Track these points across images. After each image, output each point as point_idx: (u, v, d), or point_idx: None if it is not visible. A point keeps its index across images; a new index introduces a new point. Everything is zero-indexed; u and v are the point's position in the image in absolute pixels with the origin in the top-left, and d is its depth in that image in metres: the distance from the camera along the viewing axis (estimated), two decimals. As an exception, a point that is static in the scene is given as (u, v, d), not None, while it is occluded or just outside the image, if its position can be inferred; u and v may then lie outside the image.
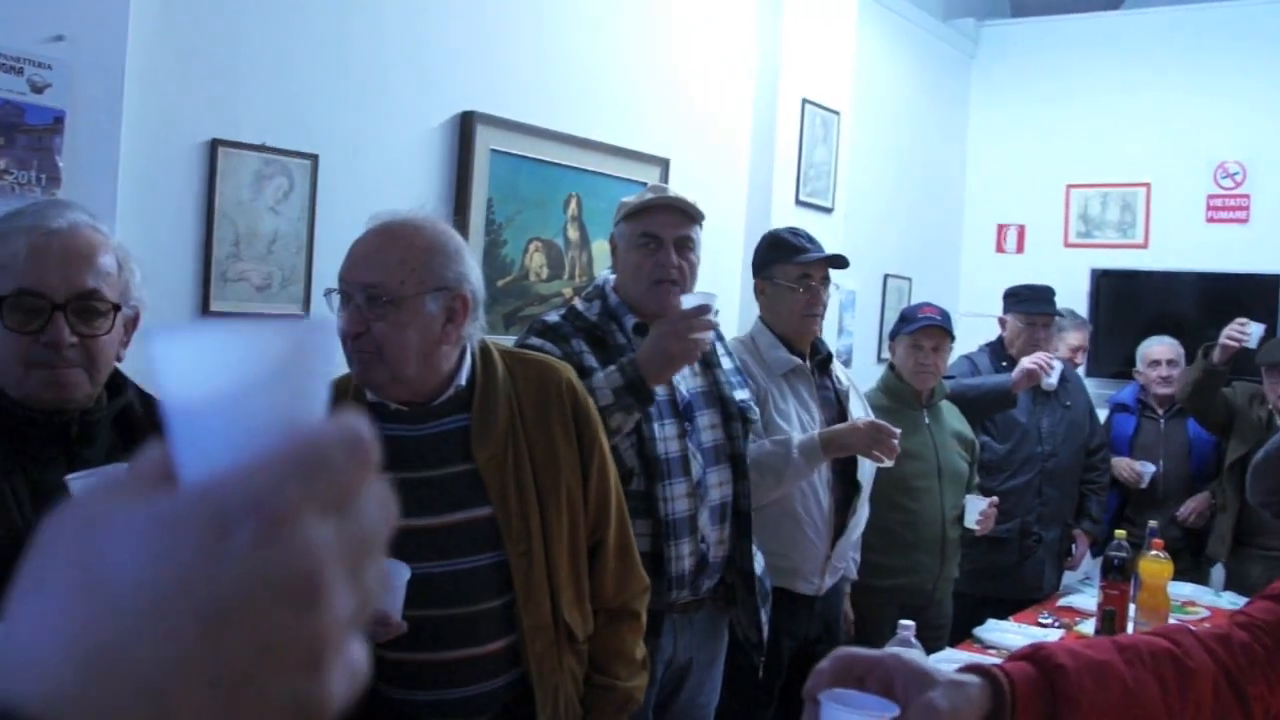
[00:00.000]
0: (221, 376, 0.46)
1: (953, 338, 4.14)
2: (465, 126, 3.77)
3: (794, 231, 3.60)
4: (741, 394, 2.99)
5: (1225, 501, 4.93)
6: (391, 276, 2.05)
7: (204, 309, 3.11)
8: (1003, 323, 4.81)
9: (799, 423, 3.41)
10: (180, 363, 0.47)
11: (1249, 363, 4.92)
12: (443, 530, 2.12)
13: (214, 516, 0.43)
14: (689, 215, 2.86)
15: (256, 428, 0.46)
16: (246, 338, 0.47)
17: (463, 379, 2.17)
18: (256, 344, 0.47)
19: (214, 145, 3.11)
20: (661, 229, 2.82)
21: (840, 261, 3.53)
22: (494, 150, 3.84)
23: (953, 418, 4.23)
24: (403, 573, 1.95)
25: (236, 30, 3.19)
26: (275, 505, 0.44)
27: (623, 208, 2.90)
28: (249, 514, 0.43)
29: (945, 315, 4.12)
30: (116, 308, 1.74)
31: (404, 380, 2.10)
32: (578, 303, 2.89)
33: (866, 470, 3.56)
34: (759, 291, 3.60)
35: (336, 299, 2.13)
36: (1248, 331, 4.60)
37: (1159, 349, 5.37)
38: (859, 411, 3.65)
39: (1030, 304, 4.72)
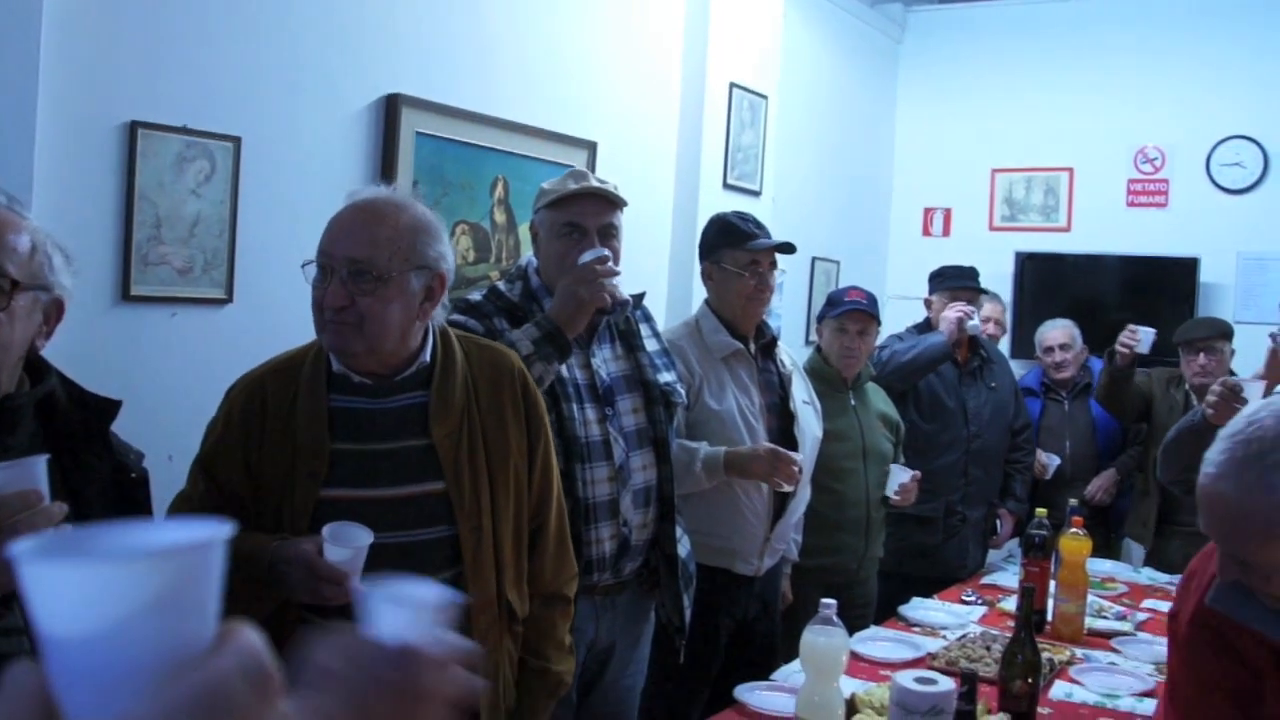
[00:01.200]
0: (101, 605, 0.44)
1: (879, 322, 4.19)
2: (390, 109, 3.75)
3: (742, 217, 3.62)
4: (666, 377, 3.00)
5: (1148, 487, 5.04)
6: (380, 253, 2.11)
7: (124, 294, 3.08)
8: (928, 303, 4.87)
9: (736, 406, 3.44)
10: (54, 591, 0.44)
11: (1166, 346, 5.03)
12: (396, 502, 2.17)
13: None
14: (611, 202, 2.87)
15: (144, 656, 0.44)
16: (126, 564, 0.44)
17: (426, 356, 2.23)
18: (136, 572, 0.44)
19: (133, 127, 3.07)
20: (584, 218, 2.82)
21: (788, 248, 3.56)
22: (419, 133, 3.82)
23: (878, 399, 4.29)
24: (365, 537, 1.99)
25: (157, 10, 3.14)
26: None
27: (543, 195, 2.89)
28: None
29: (871, 299, 4.17)
30: (15, 284, 1.69)
31: (379, 354, 2.16)
32: (500, 284, 2.90)
33: (807, 453, 3.59)
34: (706, 276, 3.63)
35: (313, 271, 2.18)
36: (1138, 338, 4.75)
37: (1053, 334, 5.47)
38: (802, 395, 3.69)
39: (954, 280, 4.79)
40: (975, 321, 4.58)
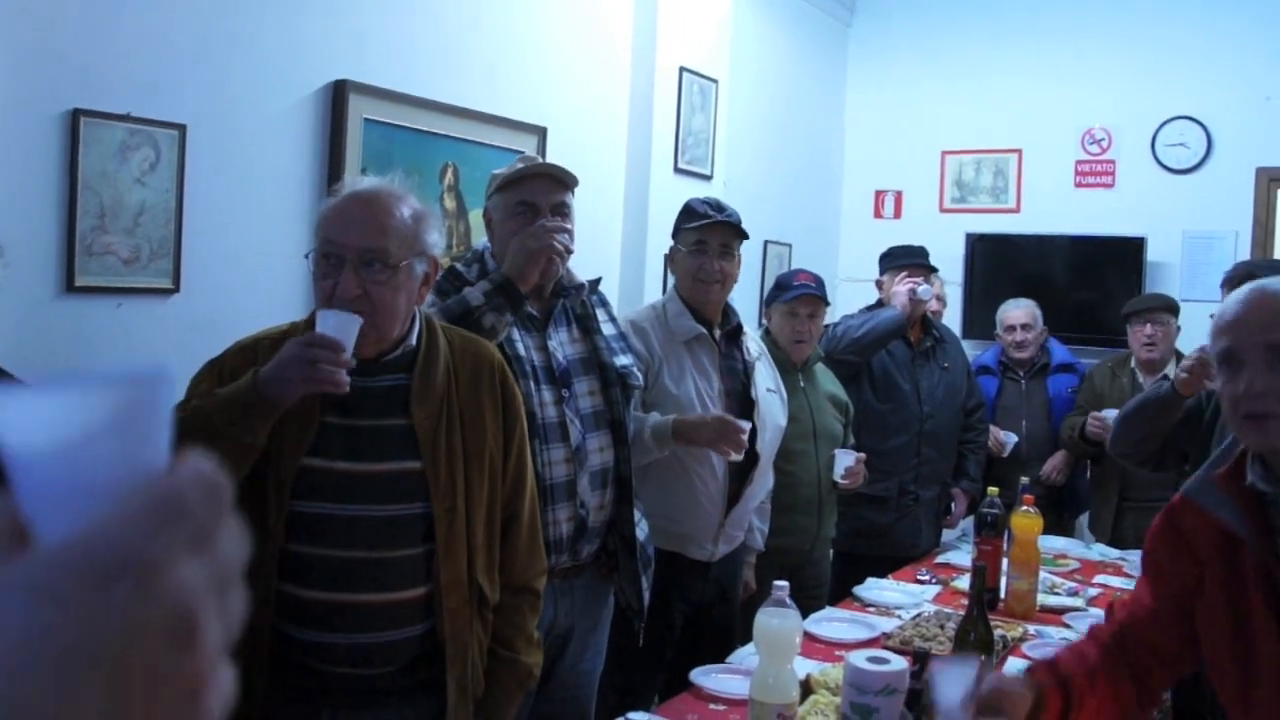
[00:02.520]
0: (60, 428, 0.47)
1: (828, 304, 4.20)
2: (337, 95, 3.72)
3: (705, 200, 3.64)
4: (623, 360, 3.01)
5: (1103, 479, 5.13)
6: (390, 242, 2.17)
7: (69, 284, 3.04)
8: (879, 284, 4.89)
9: (695, 390, 3.44)
10: (16, 415, 0.48)
11: (1114, 324, 5.09)
12: (373, 477, 2.21)
13: (92, 572, 0.45)
14: (562, 182, 2.89)
15: (104, 476, 0.48)
16: (82, 391, 0.48)
17: (413, 340, 2.29)
18: (92, 397, 0.48)
19: (75, 115, 3.03)
20: (536, 196, 2.85)
21: (735, 228, 3.56)
22: (367, 119, 3.80)
23: (827, 381, 4.30)
24: (355, 322, 2.08)
25: (98, -4, 3.10)
26: (148, 554, 0.46)
27: (495, 180, 2.91)
28: (125, 566, 0.46)
29: (820, 282, 4.18)
30: None
31: (385, 340, 2.23)
32: (458, 265, 2.92)
33: (767, 442, 3.60)
34: (669, 259, 3.66)
35: (314, 260, 2.22)
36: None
37: (1014, 314, 5.52)
38: (766, 382, 3.69)
39: (904, 258, 4.82)
40: (925, 288, 4.60)
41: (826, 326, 4.55)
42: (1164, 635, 2.13)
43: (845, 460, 4.08)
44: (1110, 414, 5.12)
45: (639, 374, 3.12)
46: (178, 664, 0.47)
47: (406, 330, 2.29)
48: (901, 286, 4.59)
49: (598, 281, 3.03)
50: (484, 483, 2.32)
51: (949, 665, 2.14)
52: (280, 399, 2.06)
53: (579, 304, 2.98)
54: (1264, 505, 1.91)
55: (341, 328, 2.07)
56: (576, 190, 2.96)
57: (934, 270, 5.08)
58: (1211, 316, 3.23)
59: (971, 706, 2.04)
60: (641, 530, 3.00)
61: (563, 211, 2.88)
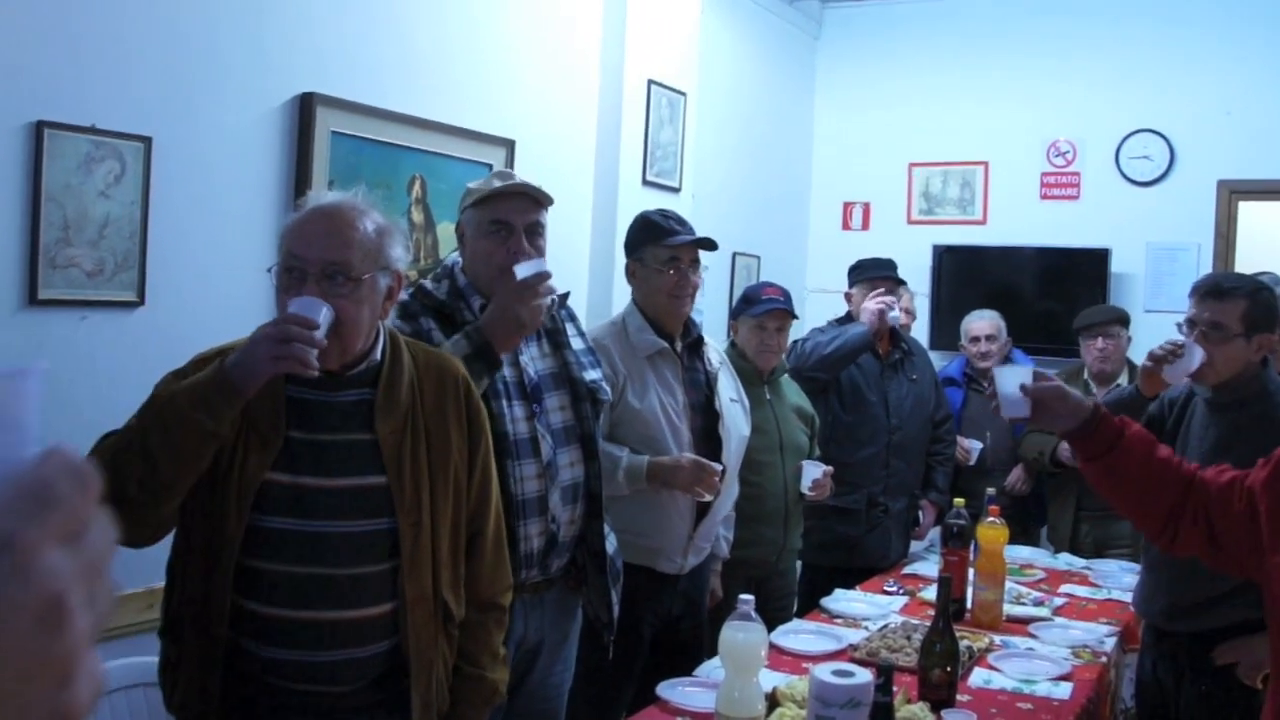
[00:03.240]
0: None
1: (795, 317, 4.22)
2: (305, 108, 3.70)
3: (664, 214, 3.63)
4: (592, 374, 3.01)
5: (1059, 489, 5.17)
6: (354, 255, 2.17)
7: (32, 297, 3.01)
8: (849, 297, 4.92)
9: (659, 404, 3.45)
10: None
11: (1067, 335, 5.14)
12: (337, 492, 2.20)
13: None
14: (538, 201, 2.87)
15: None
16: None
17: (377, 355, 2.28)
18: None
19: (39, 127, 3.00)
20: (512, 215, 2.83)
21: (708, 243, 3.57)
22: (335, 132, 3.78)
23: (792, 392, 4.32)
24: (326, 308, 2.10)
25: (64, 6, 3.08)
26: (19, 540, 0.48)
27: (470, 194, 2.89)
28: None
29: (787, 296, 4.20)
30: None
31: (349, 354, 2.22)
32: (426, 282, 2.90)
33: (733, 452, 3.61)
34: (630, 273, 3.64)
35: (277, 274, 2.22)
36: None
37: (979, 324, 5.55)
38: (729, 392, 3.70)
39: (873, 271, 4.85)
40: (895, 313, 4.63)
41: (795, 342, 4.57)
42: (1221, 507, 2.40)
43: (813, 472, 4.09)
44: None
45: (607, 388, 3.13)
46: (50, 649, 0.48)
47: (371, 344, 2.28)
48: (872, 304, 4.60)
49: (566, 296, 3.03)
50: (449, 498, 2.32)
51: (1007, 368, 2.66)
52: (247, 382, 2.04)
53: (549, 318, 2.98)
54: None
55: (311, 310, 2.07)
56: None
57: (902, 283, 5.11)
58: (1178, 326, 3.28)
59: (1029, 398, 2.54)
60: (610, 543, 3.00)
61: (537, 231, 2.86)
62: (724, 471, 3.42)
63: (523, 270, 2.67)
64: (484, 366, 2.62)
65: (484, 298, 2.83)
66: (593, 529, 2.95)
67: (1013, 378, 2.61)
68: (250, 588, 2.17)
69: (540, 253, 2.86)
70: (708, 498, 3.38)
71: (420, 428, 2.29)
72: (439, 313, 2.79)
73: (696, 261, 3.58)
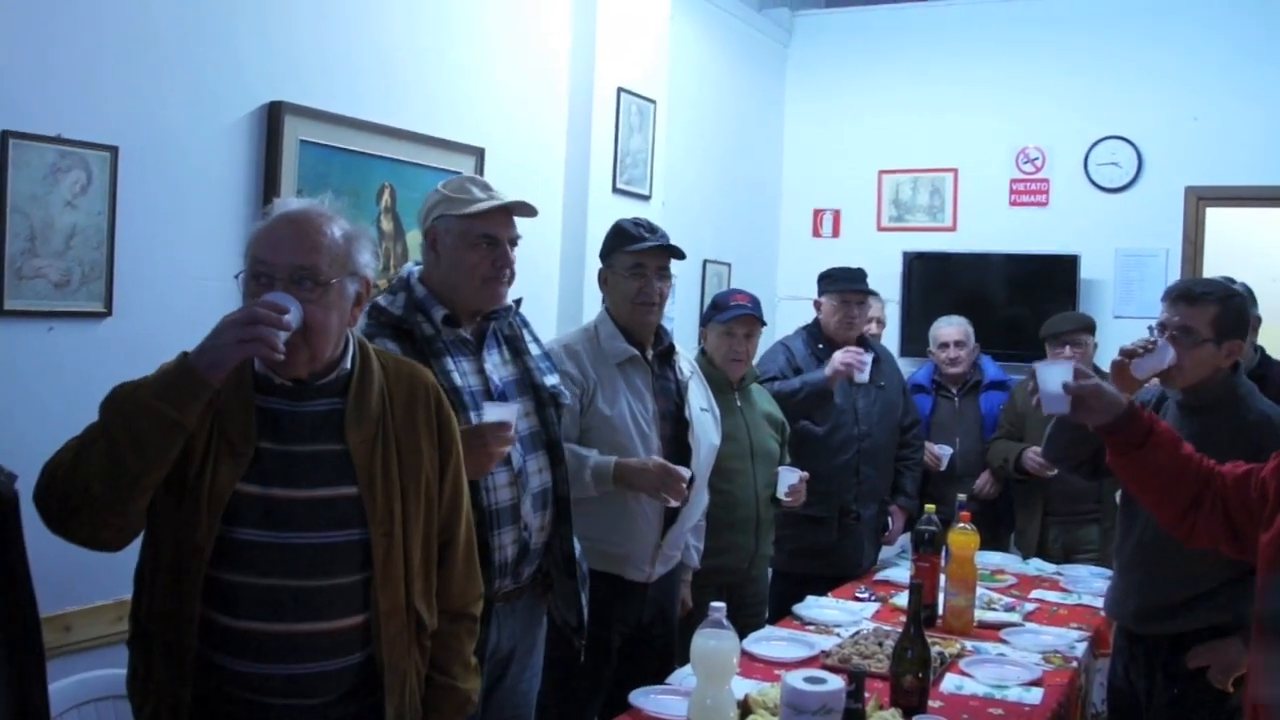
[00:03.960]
0: None
1: (764, 324, 4.23)
2: (273, 116, 3.68)
3: (636, 221, 3.63)
4: (551, 379, 3.02)
5: (1026, 494, 5.19)
6: (322, 259, 2.15)
7: (-3, 308, 2.99)
8: (818, 305, 4.92)
9: (629, 411, 3.45)
10: None
11: (1037, 341, 5.16)
12: (308, 503, 2.18)
13: None
14: (517, 215, 2.92)
15: None
16: None
17: (347, 364, 2.26)
18: None
19: (4, 137, 2.97)
20: (498, 229, 2.86)
21: (674, 251, 3.57)
22: (303, 141, 3.76)
23: (763, 400, 4.32)
24: (294, 301, 2.09)
25: (28, 15, 3.05)
26: None
27: (450, 202, 2.87)
28: None
29: (756, 302, 4.21)
30: None
31: (318, 361, 2.19)
32: (381, 299, 2.84)
33: (702, 460, 3.61)
34: (602, 280, 3.66)
35: (244, 281, 2.20)
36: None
37: (947, 331, 5.57)
38: (699, 401, 3.70)
39: (843, 283, 4.85)
40: (863, 375, 4.63)
41: (761, 357, 4.59)
42: (1237, 495, 2.57)
43: (789, 478, 4.10)
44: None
45: (567, 392, 3.14)
46: None
47: (340, 353, 2.26)
48: (840, 360, 4.57)
49: (519, 302, 3.03)
50: (420, 507, 2.30)
51: (1050, 364, 2.78)
52: (212, 370, 2.00)
53: (507, 325, 2.98)
54: None
55: (281, 301, 2.06)
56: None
57: (874, 293, 5.13)
58: (1150, 329, 3.30)
59: (1070, 396, 2.65)
60: (576, 546, 3.00)
61: (515, 243, 2.91)
62: (692, 479, 3.41)
63: (492, 413, 2.69)
64: None
65: (446, 307, 2.82)
66: (562, 533, 2.96)
67: (1055, 375, 2.71)
68: (220, 600, 2.14)
69: (511, 261, 2.87)
70: (673, 503, 3.37)
71: (391, 437, 2.28)
72: (397, 330, 2.78)
73: (664, 269, 3.57)
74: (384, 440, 2.26)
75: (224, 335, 2.01)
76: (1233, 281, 3.90)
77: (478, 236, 2.83)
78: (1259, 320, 4.28)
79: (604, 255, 3.63)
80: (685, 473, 3.33)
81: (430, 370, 2.56)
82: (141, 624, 2.19)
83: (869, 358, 4.64)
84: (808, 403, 4.62)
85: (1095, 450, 3.51)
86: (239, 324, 2.01)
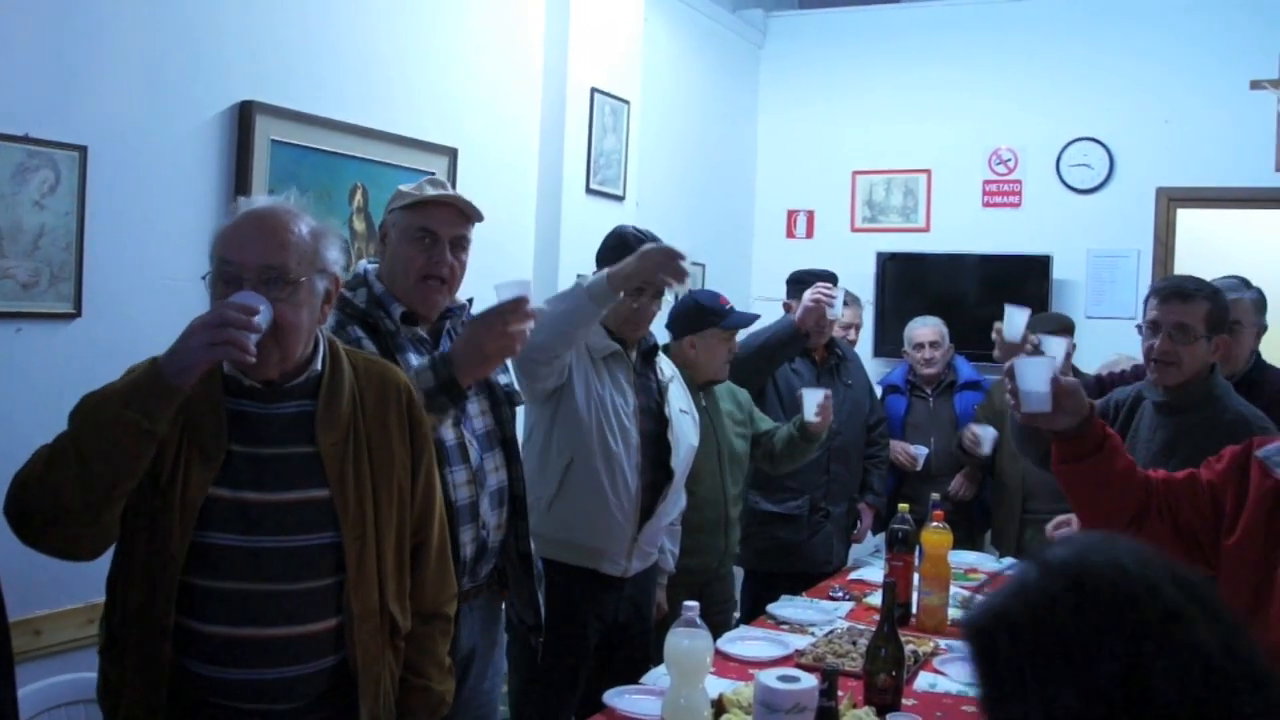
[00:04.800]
0: None
1: None
2: (244, 116, 3.67)
3: (639, 232, 3.59)
4: (505, 379, 3.01)
5: (1004, 494, 5.21)
6: (291, 257, 2.13)
7: (-35, 309, 2.97)
8: (788, 308, 4.91)
9: (610, 404, 3.44)
10: None
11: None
12: (280, 506, 2.16)
13: None
14: (466, 215, 2.85)
15: None
16: None
17: (318, 365, 2.24)
18: None
19: (-29, 137, 2.97)
20: (440, 226, 2.80)
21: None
22: (274, 140, 3.75)
23: (724, 398, 4.33)
24: (263, 300, 2.04)
25: (-5, 14, 3.04)
26: None
27: (400, 197, 2.86)
28: None
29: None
30: None
31: (289, 361, 2.17)
32: (344, 292, 2.84)
33: (681, 458, 3.60)
34: None
35: (211, 283, 2.17)
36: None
37: (922, 331, 5.58)
38: (680, 403, 3.70)
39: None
40: (836, 310, 4.59)
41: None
42: (1188, 503, 2.54)
43: (815, 397, 4.11)
44: (985, 431, 5.21)
45: (520, 393, 3.12)
46: None
47: (311, 353, 2.24)
48: (810, 296, 4.52)
49: (471, 301, 3.01)
50: (393, 509, 2.29)
51: (1030, 360, 2.63)
52: (182, 375, 1.97)
53: (460, 324, 2.96)
54: None
55: (250, 302, 2.02)
56: (488, 211, 2.93)
57: (854, 299, 5.14)
58: (1139, 328, 3.32)
59: (1050, 393, 2.53)
60: (530, 544, 2.99)
61: (462, 245, 2.84)
62: (666, 448, 3.39)
63: (503, 291, 2.64)
64: (448, 400, 2.60)
65: (402, 304, 2.80)
66: (519, 530, 2.94)
67: (1037, 372, 2.56)
68: (192, 606, 2.12)
69: (461, 267, 2.84)
70: (678, 287, 3.30)
71: (363, 438, 2.26)
72: (363, 321, 2.76)
73: (661, 293, 3.54)
74: (355, 442, 2.24)
75: (193, 339, 1.98)
76: (1249, 285, 3.92)
77: (417, 229, 2.79)
78: (1265, 328, 4.21)
79: (600, 261, 3.59)
80: (684, 252, 3.21)
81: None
82: (114, 632, 2.17)
83: (840, 291, 4.62)
84: (777, 345, 4.57)
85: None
86: (208, 327, 1.97)
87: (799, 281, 4.90)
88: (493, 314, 2.60)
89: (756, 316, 4.21)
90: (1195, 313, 3.21)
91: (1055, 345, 2.90)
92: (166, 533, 2.08)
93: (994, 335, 3.98)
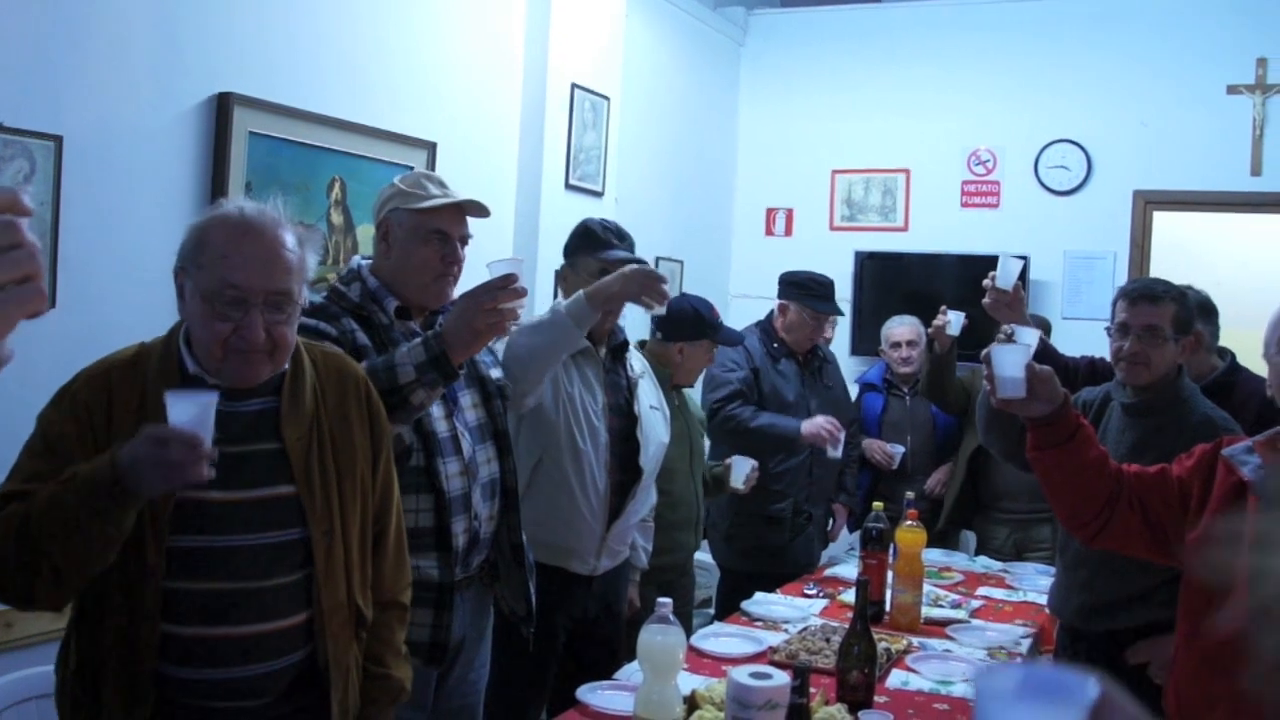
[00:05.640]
0: None
1: None
2: (222, 108, 3.66)
3: (605, 225, 3.60)
4: (496, 373, 3.01)
5: (980, 493, 5.22)
6: (294, 281, 2.15)
7: (-63, 298, 2.94)
8: (784, 309, 4.88)
9: (579, 402, 3.45)
10: None
11: (987, 341, 5.18)
12: (246, 504, 2.16)
13: None
14: (470, 214, 2.91)
15: None
16: None
17: (286, 363, 2.23)
18: None
19: (-55, 125, 2.95)
20: (451, 226, 2.84)
21: (642, 264, 3.53)
22: (252, 132, 3.74)
23: (691, 401, 4.39)
24: (211, 403, 1.93)
25: (-30, 3, 3.02)
26: None
27: (405, 196, 2.85)
28: None
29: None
30: None
31: (280, 368, 2.19)
32: (338, 285, 2.86)
33: (650, 457, 3.61)
34: (561, 278, 3.64)
35: (198, 295, 2.12)
36: (947, 319, 4.76)
37: (899, 330, 5.59)
38: (649, 399, 3.70)
39: (818, 302, 4.81)
40: (836, 454, 4.65)
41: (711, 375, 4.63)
42: (1158, 496, 2.61)
43: (743, 468, 4.15)
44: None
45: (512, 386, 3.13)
46: None
47: None
48: (823, 430, 4.57)
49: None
50: (357, 501, 2.29)
51: (1006, 347, 2.69)
52: (141, 490, 1.91)
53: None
54: None
55: (199, 416, 1.91)
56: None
57: (842, 314, 5.17)
58: (1107, 330, 3.34)
59: (1025, 379, 2.57)
60: (522, 536, 3.00)
61: (466, 241, 2.89)
62: (635, 446, 3.44)
63: (494, 269, 2.64)
64: (438, 376, 2.58)
65: (399, 299, 2.82)
66: (511, 522, 2.96)
67: (1012, 358, 2.60)
68: (165, 610, 2.10)
69: (460, 261, 2.87)
70: (657, 309, 3.29)
71: (326, 432, 2.26)
72: (356, 315, 2.77)
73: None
74: (319, 436, 2.24)
75: (146, 471, 1.88)
76: (1196, 290, 3.93)
77: (430, 232, 2.81)
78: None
79: (568, 253, 3.60)
80: (664, 275, 3.26)
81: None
82: (85, 653, 2.13)
83: (842, 434, 4.64)
84: (767, 441, 4.62)
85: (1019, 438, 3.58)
86: (158, 465, 1.88)
87: (802, 288, 4.85)
88: (482, 290, 2.60)
89: (744, 336, 4.24)
90: (1163, 314, 3.26)
91: (1029, 334, 2.98)
92: (140, 544, 2.05)
93: (985, 283, 3.99)
